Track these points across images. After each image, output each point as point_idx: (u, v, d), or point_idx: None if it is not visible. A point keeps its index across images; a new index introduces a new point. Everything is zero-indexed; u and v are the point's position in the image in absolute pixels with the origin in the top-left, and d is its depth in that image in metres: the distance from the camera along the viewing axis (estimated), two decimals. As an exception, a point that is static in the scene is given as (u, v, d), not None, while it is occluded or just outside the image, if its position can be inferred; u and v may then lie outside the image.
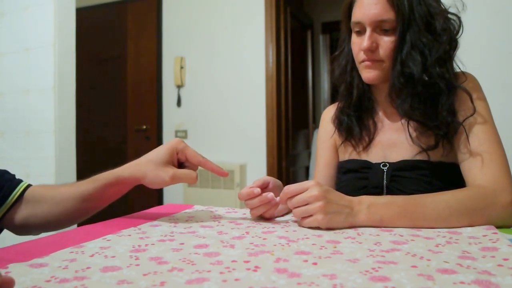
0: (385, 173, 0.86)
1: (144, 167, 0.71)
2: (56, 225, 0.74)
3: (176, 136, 3.27)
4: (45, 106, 2.04)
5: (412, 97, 0.81)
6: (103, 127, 3.59)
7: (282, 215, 0.79)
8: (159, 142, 3.34)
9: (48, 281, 0.43)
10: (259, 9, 3.02)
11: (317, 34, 4.34)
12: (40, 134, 2.06)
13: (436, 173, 0.81)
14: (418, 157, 0.83)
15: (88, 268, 0.47)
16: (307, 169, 3.92)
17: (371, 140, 0.92)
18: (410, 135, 0.84)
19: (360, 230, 0.65)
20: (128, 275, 0.44)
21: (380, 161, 0.88)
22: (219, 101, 3.14)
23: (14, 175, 0.77)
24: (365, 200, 0.69)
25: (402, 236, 0.61)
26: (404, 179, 0.83)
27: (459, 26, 0.82)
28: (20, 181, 0.76)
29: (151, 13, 3.37)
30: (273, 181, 0.80)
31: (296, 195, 0.67)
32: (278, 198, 0.73)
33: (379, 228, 0.66)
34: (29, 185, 0.76)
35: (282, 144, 3.11)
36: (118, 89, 3.52)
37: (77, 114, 2.16)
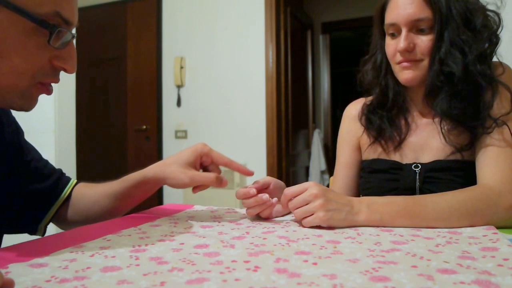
0: (417, 174, 0.83)
1: (167, 168, 0.74)
2: (93, 222, 0.78)
3: (176, 136, 3.27)
4: (45, 106, 2.04)
5: (451, 96, 0.79)
6: (103, 127, 3.59)
7: (282, 215, 0.79)
8: (159, 142, 3.33)
9: (48, 281, 0.43)
10: (259, 9, 3.02)
11: (317, 34, 4.33)
12: (40, 134, 2.05)
13: (470, 174, 0.79)
14: (452, 157, 0.81)
15: (88, 268, 0.47)
16: (307, 169, 3.92)
17: (402, 140, 0.89)
18: (444, 135, 0.81)
19: (360, 230, 0.65)
20: (128, 275, 0.44)
21: (411, 162, 0.86)
22: (219, 101, 3.14)
23: (61, 171, 0.84)
24: (365, 199, 0.69)
25: (402, 236, 0.61)
26: (438, 180, 0.81)
27: (499, 22, 0.80)
28: (69, 178, 0.82)
29: (151, 13, 3.37)
30: (274, 182, 0.80)
31: (296, 196, 0.68)
32: (275, 199, 0.74)
33: (379, 228, 0.66)
34: (77, 183, 0.82)
35: (282, 144, 3.10)
36: (118, 89, 3.52)
37: (77, 114, 2.16)
